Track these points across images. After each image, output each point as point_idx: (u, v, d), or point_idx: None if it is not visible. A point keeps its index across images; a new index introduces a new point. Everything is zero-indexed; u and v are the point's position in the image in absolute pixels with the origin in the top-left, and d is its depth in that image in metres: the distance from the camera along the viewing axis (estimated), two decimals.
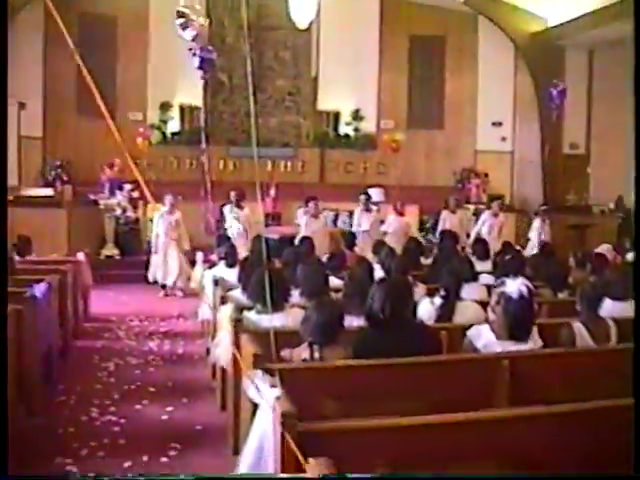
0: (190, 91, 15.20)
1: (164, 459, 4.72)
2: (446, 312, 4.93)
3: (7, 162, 5.26)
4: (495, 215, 11.89)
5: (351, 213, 12.59)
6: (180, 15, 7.48)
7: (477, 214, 12.99)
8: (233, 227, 10.79)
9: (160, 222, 10.85)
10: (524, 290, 4.02)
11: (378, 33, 16.64)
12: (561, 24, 15.09)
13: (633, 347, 3.25)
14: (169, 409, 5.73)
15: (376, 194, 14.47)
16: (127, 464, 4.62)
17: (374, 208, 12.11)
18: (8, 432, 3.39)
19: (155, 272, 10.93)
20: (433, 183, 16.33)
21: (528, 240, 12.27)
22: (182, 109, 16.27)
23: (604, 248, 10.35)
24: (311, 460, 2.40)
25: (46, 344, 6.10)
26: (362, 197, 11.98)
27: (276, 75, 16.85)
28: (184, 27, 7.79)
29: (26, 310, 5.38)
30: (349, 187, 15.05)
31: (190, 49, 8.88)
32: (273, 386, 3.06)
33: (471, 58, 16.74)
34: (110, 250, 12.75)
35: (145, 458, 4.71)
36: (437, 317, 4.93)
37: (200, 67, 8.62)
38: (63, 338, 7.22)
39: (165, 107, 16.14)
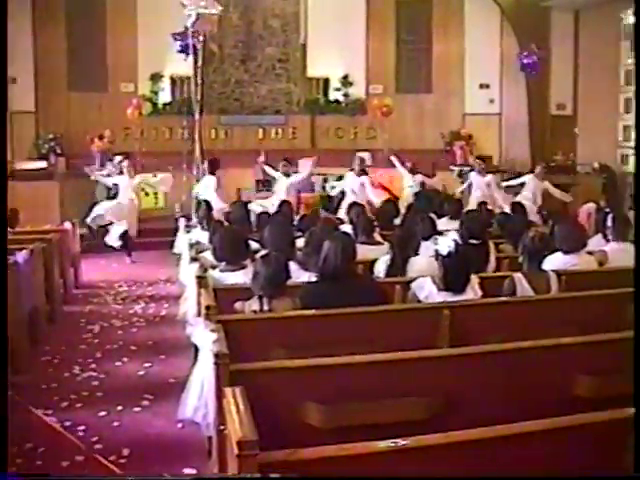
0: (181, 61, 15.34)
1: (137, 409, 5.09)
2: (394, 267, 5.25)
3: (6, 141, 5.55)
4: (480, 174, 11.85)
5: (340, 177, 12.70)
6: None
7: (461, 176, 13.20)
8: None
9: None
10: (452, 247, 4.34)
11: None
12: None
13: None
14: (146, 365, 6.10)
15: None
16: (102, 413, 5.00)
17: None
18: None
19: None
20: (422, 146, 16.47)
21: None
22: (173, 80, 16.42)
23: (588, 207, 10.65)
24: (227, 389, 2.70)
25: (30, 308, 6.44)
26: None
27: (265, 43, 16.98)
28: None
29: (8, 275, 5.72)
30: (340, 152, 15.26)
31: (173, 34, 9.72)
32: (213, 331, 3.38)
33: (458, 22, 16.76)
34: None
35: (119, 408, 5.09)
36: (386, 272, 5.25)
37: (180, 51, 9.34)
38: (50, 303, 7.57)
39: (156, 78, 16.29)
